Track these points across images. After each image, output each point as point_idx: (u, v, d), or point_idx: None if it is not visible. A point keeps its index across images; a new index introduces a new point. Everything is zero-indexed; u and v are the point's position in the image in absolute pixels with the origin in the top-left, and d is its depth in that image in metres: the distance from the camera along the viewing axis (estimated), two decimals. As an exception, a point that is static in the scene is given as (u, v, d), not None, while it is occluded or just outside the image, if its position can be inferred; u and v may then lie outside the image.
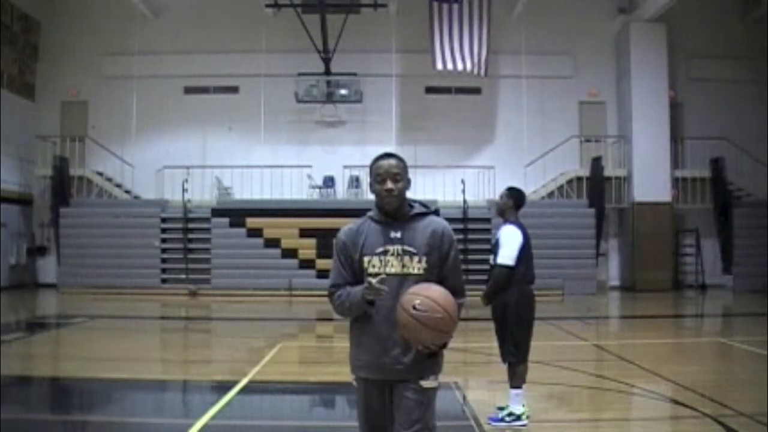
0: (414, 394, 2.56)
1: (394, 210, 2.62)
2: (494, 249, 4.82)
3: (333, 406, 6.18)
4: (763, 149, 16.88)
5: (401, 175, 2.61)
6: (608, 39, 18.18)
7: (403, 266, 2.58)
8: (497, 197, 5.13)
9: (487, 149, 18.04)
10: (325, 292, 2.72)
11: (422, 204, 2.70)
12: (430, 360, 2.59)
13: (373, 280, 2.45)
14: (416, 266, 2.58)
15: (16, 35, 17.21)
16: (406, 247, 2.58)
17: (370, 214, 2.71)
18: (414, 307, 2.37)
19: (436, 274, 2.60)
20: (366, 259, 2.61)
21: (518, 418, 4.68)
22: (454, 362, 7.74)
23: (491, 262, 4.86)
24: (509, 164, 16.99)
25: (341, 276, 2.66)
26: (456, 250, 2.68)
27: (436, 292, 2.43)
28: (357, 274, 2.63)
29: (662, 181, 17.05)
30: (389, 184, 2.58)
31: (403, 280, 2.55)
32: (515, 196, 4.92)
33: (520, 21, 17.43)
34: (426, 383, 2.59)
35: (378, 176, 2.61)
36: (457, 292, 2.59)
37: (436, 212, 3.08)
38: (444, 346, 2.53)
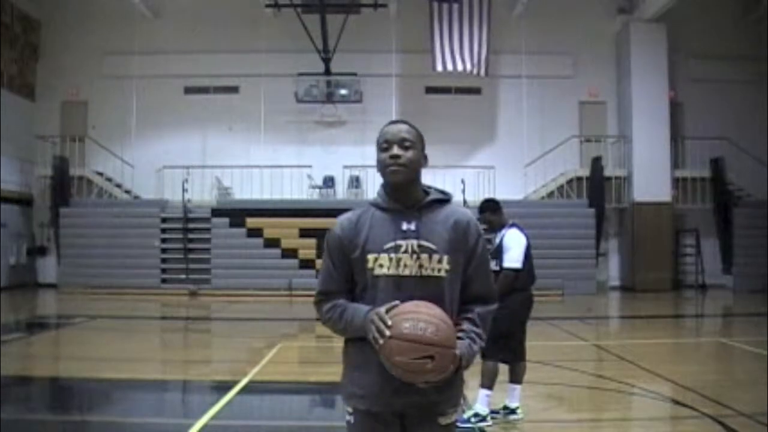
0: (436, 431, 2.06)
1: (402, 188, 2.09)
2: (497, 253, 4.83)
3: (333, 406, 6.18)
4: (763, 149, 16.87)
5: (412, 144, 2.08)
6: (608, 39, 18.18)
7: (420, 266, 2.03)
8: (480, 206, 5.16)
9: (487, 149, 18.04)
10: None
11: (440, 191, 2.18)
12: (453, 389, 2.09)
13: (381, 322, 1.90)
14: (436, 267, 2.04)
15: (16, 35, 17.21)
16: (423, 242, 2.04)
17: (373, 200, 2.16)
18: (396, 357, 1.87)
19: (460, 276, 2.10)
20: (371, 257, 2.04)
21: (483, 419, 4.72)
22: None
23: (494, 266, 4.87)
24: (509, 164, 16.99)
25: (332, 281, 2.12)
26: (484, 246, 2.16)
27: (423, 323, 1.87)
28: (353, 276, 2.10)
29: (662, 181, 17.04)
30: (395, 150, 2.05)
31: (421, 284, 2.02)
32: (495, 207, 4.99)
33: (520, 21, 17.43)
34: (445, 419, 2.09)
35: (384, 143, 2.09)
36: (485, 298, 2.14)
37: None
38: (459, 368, 1.99)
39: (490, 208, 4.98)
